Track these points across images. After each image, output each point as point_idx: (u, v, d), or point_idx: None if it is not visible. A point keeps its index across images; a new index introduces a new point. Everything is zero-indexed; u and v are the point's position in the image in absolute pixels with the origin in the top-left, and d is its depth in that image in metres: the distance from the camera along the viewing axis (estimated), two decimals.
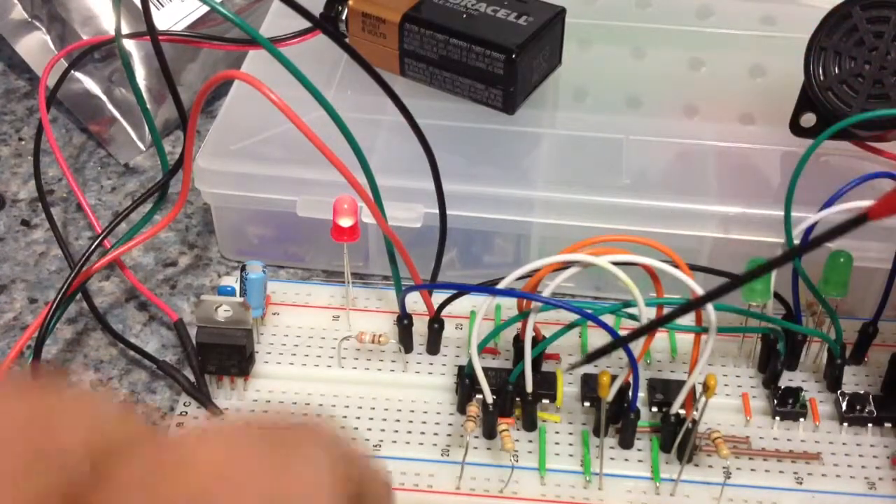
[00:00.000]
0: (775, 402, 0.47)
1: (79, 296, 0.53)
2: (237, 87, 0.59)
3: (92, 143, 0.65)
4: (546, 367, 0.49)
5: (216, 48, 0.63)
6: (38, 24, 0.64)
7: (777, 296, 0.47)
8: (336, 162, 0.42)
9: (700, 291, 0.42)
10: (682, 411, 0.45)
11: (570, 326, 0.45)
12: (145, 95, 0.64)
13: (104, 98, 0.64)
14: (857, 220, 0.23)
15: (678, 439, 0.45)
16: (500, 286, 0.43)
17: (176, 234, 0.59)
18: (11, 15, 0.64)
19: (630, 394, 0.45)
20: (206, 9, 0.65)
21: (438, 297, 0.50)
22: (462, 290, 0.48)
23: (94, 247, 0.52)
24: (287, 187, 0.54)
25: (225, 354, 0.47)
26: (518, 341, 0.48)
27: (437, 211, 0.52)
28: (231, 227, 0.57)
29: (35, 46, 0.64)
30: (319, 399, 0.49)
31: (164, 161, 0.56)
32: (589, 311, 0.43)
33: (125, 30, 0.63)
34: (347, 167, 0.43)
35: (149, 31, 0.48)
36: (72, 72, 0.62)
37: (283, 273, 0.57)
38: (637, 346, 0.43)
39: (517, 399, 0.46)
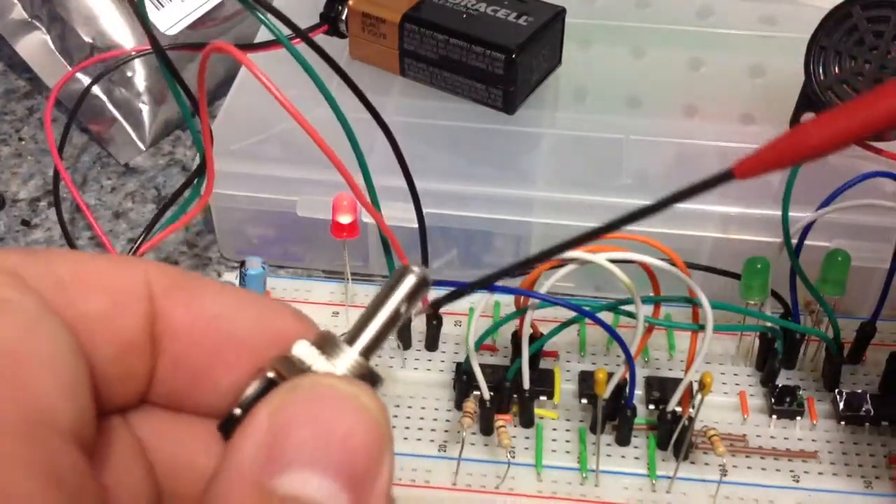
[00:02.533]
0: (772, 400, 0.47)
1: None
2: (237, 88, 0.59)
3: (92, 143, 0.65)
4: (543, 364, 0.49)
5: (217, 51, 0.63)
6: (38, 24, 0.64)
7: (775, 294, 0.47)
8: (327, 151, 0.42)
9: (698, 290, 0.42)
10: (678, 409, 0.45)
11: (568, 323, 0.45)
12: (146, 96, 0.64)
13: (104, 98, 0.64)
14: (723, 177, 0.23)
15: (675, 436, 0.45)
16: (498, 283, 0.43)
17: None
18: (11, 15, 0.64)
19: (627, 391, 0.45)
20: (206, 9, 0.65)
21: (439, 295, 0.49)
22: (459, 287, 0.48)
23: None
24: (287, 187, 0.54)
25: None
26: (515, 338, 0.48)
27: (436, 211, 0.52)
28: (231, 227, 0.57)
29: (35, 46, 0.64)
30: None
31: (199, 145, 0.54)
32: (586, 309, 0.43)
33: (126, 30, 0.64)
34: (345, 166, 0.43)
35: (154, 48, 0.48)
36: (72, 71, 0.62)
37: (283, 273, 0.57)
38: (633, 345, 0.43)
39: (514, 396, 0.46)
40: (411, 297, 0.26)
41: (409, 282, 0.26)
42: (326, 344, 0.25)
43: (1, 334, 0.22)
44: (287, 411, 0.23)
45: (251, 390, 0.25)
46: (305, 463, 0.22)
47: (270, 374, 0.25)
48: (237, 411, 0.25)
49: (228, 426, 0.25)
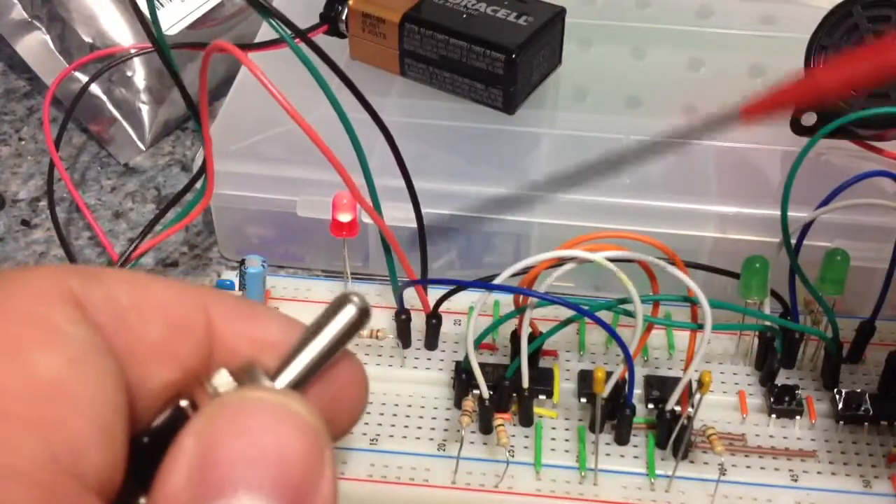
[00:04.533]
0: (771, 399, 0.47)
1: None
2: (237, 88, 0.59)
3: (92, 143, 0.65)
4: (543, 363, 0.49)
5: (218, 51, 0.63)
6: (38, 24, 0.64)
7: (774, 294, 0.47)
8: (326, 151, 0.42)
9: (697, 290, 0.42)
10: (677, 408, 0.45)
11: (567, 322, 0.45)
12: (145, 96, 0.64)
13: (104, 98, 0.64)
14: (729, 119, 0.23)
15: (674, 435, 0.45)
16: (496, 282, 0.43)
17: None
18: (11, 15, 0.64)
19: (626, 390, 0.45)
20: (206, 8, 0.66)
21: (438, 294, 0.49)
22: (457, 284, 0.48)
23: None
24: (287, 187, 0.54)
25: None
26: (515, 337, 0.48)
27: (436, 211, 0.52)
28: (231, 227, 0.57)
29: (35, 46, 0.64)
30: None
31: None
32: (585, 308, 0.43)
33: (126, 30, 0.64)
34: (345, 167, 0.43)
35: (156, 48, 0.48)
36: (73, 72, 0.62)
37: (283, 273, 0.57)
38: (632, 344, 0.43)
39: (513, 394, 0.46)
40: (349, 330, 0.24)
41: (347, 313, 0.24)
42: (246, 377, 0.24)
43: (44, 369, 0.21)
44: (215, 430, 0.21)
45: (161, 418, 0.24)
46: (239, 485, 0.21)
47: (183, 403, 0.24)
48: (144, 439, 0.24)
49: (136, 456, 0.23)
